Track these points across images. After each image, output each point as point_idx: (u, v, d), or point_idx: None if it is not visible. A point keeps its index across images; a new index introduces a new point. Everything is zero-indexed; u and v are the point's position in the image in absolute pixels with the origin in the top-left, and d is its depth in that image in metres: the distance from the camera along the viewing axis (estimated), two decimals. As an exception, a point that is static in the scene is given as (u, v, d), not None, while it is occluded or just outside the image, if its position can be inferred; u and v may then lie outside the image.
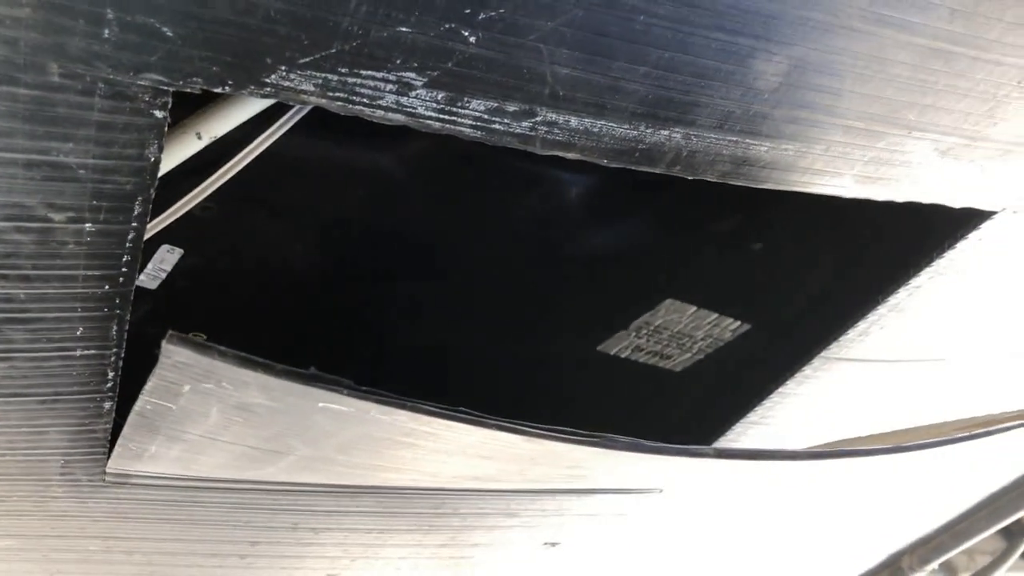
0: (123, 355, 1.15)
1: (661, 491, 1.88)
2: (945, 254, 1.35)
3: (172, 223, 1.26)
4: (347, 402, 0.90)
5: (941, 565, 3.00)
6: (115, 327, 1.10)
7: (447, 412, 0.92)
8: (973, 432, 1.28)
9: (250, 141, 1.24)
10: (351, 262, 1.70)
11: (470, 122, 0.92)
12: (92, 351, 1.13)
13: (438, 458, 1.13)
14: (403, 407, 0.90)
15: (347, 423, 0.98)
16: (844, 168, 1.11)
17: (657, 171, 1.04)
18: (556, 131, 0.95)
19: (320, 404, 0.92)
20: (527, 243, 1.79)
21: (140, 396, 1.03)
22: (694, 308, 1.86)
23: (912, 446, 1.31)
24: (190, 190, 1.26)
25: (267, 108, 1.15)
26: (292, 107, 1.19)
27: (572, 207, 1.79)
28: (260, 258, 1.65)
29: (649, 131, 0.98)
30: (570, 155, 0.98)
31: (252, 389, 0.91)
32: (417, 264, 1.73)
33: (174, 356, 0.88)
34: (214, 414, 1.00)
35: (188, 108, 1.11)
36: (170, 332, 0.87)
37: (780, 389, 1.63)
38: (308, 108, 1.17)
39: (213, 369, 0.89)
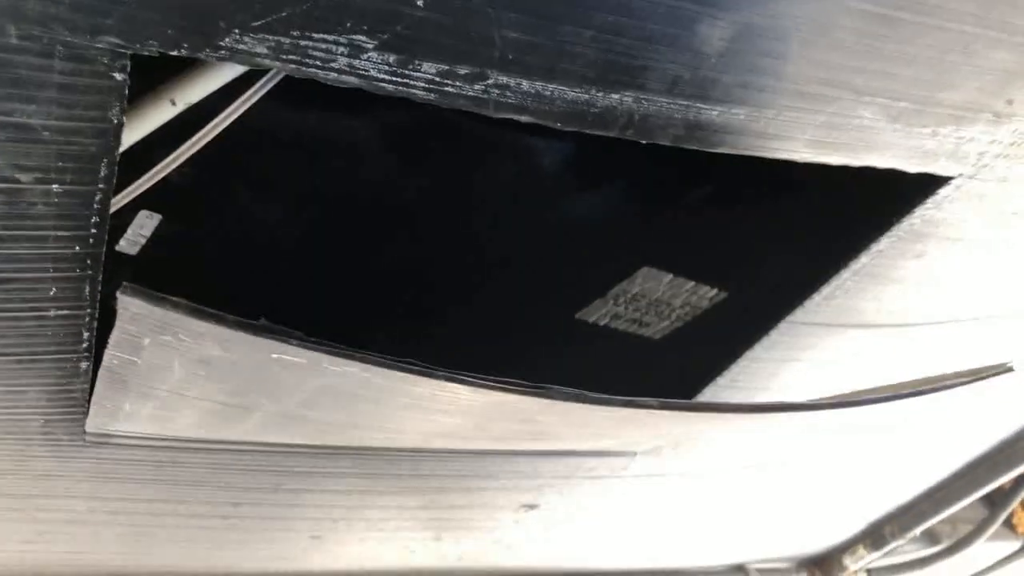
0: (98, 316, 1.18)
1: (635, 455, 1.92)
2: (904, 219, 1.37)
3: (151, 189, 1.29)
4: (299, 353, 0.94)
5: (923, 533, 3.03)
6: (88, 288, 1.13)
7: (395, 363, 0.96)
8: (919, 388, 1.31)
9: (225, 107, 1.26)
10: (329, 228, 1.73)
11: (423, 85, 0.94)
12: (66, 311, 1.17)
13: (399, 413, 1.17)
14: (352, 358, 0.94)
15: (303, 375, 1.01)
16: (796, 132, 1.13)
17: (611, 135, 1.07)
18: (508, 94, 0.97)
19: (273, 355, 0.95)
20: (503, 211, 1.81)
21: (106, 351, 1.06)
22: (670, 276, 1.88)
23: (860, 400, 1.34)
24: (167, 157, 1.29)
25: (242, 74, 1.18)
26: (265, 73, 1.22)
27: (549, 175, 1.81)
28: (240, 224, 1.67)
29: (600, 95, 1.00)
30: (523, 118, 1.01)
31: (208, 341, 0.95)
32: (393, 232, 1.76)
33: (130, 308, 0.92)
34: (177, 368, 1.04)
35: (163, 74, 1.14)
36: (124, 284, 0.90)
37: (748, 353, 1.66)
38: (280, 75, 1.20)
39: (168, 320, 0.92)
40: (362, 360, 0.94)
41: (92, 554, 1.93)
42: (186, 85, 1.18)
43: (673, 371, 1.93)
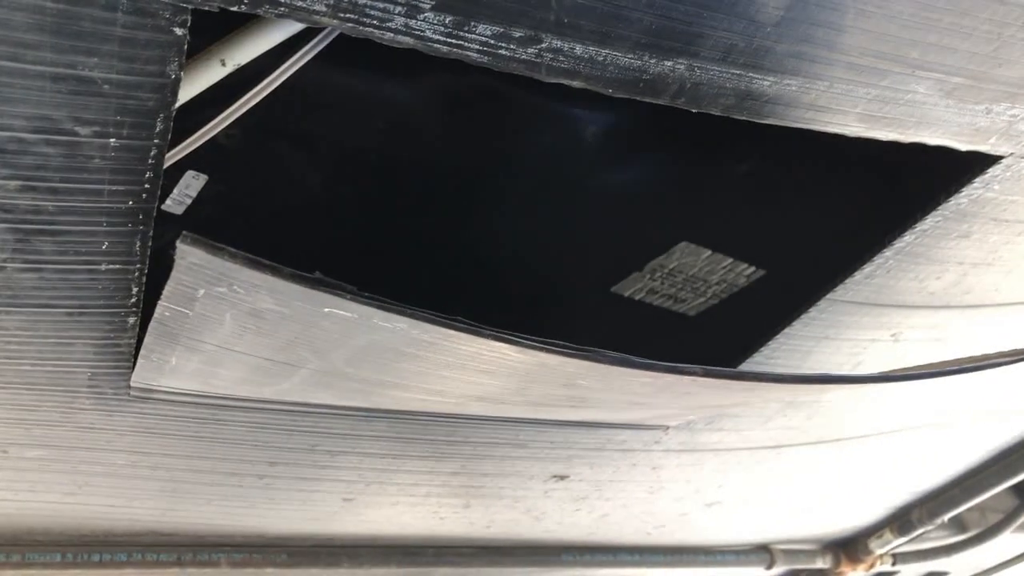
0: (147, 271, 1.21)
1: (667, 429, 1.93)
2: (951, 199, 1.36)
3: (197, 150, 1.31)
4: (350, 307, 0.95)
5: (951, 520, 3.01)
6: (139, 243, 1.15)
7: (445, 320, 0.97)
8: (960, 366, 1.31)
9: (273, 70, 1.27)
10: (370, 192, 1.74)
11: (477, 47, 0.95)
12: (117, 265, 1.19)
13: (441, 373, 1.18)
14: (403, 314, 0.95)
15: (352, 330, 1.02)
16: (847, 106, 1.12)
17: (662, 102, 1.07)
18: (561, 58, 0.98)
19: (325, 309, 0.97)
20: (542, 180, 1.81)
21: (159, 302, 1.08)
22: (709, 252, 1.88)
23: (902, 376, 1.34)
24: (215, 118, 1.30)
25: (290, 38, 1.19)
26: (314, 37, 1.23)
27: (589, 146, 1.81)
28: (283, 186, 1.69)
29: (653, 61, 1.00)
30: (575, 83, 1.01)
31: (262, 293, 0.96)
32: (432, 199, 1.77)
33: (188, 257, 0.93)
34: (228, 321, 1.05)
35: (214, 35, 1.15)
36: (184, 232, 0.91)
37: (786, 330, 1.66)
38: (330, 38, 1.21)
39: (225, 271, 0.94)
40: (412, 316, 0.95)
41: (130, 508, 1.97)
42: (237, 46, 1.19)
43: (708, 348, 1.92)
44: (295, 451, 1.78)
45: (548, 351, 1.02)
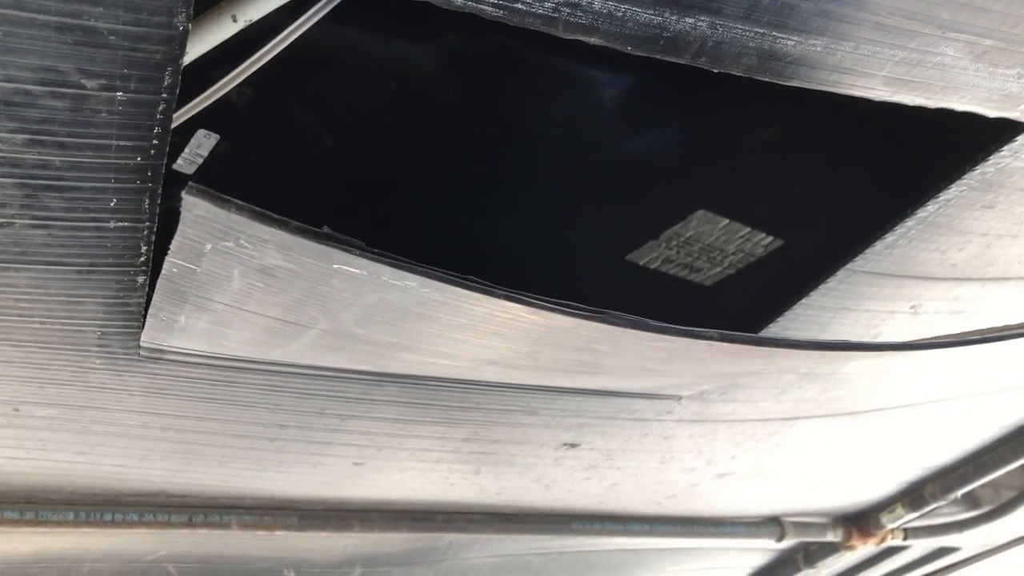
0: (156, 230, 1.19)
1: (680, 398, 1.91)
2: (977, 167, 1.33)
3: (209, 109, 1.29)
4: (360, 264, 0.93)
5: (964, 496, 2.99)
6: (147, 200, 1.14)
7: (456, 278, 0.95)
8: (984, 336, 1.28)
9: (285, 27, 1.25)
10: (382, 154, 1.72)
11: (493, 0, 0.92)
12: (125, 223, 1.17)
13: (452, 335, 1.16)
14: (413, 271, 0.93)
15: (362, 288, 1.01)
16: (874, 68, 1.09)
17: (682, 61, 1.04)
18: (579, 14, 0.95)
19: (335, 265, 0.95)
20: (557, 145, 1.78)
21: (166, 258, 1.07)
22: (726, 221, 1.85)
23: (925, 344, 1.31)
24: (226, 76, 1.28)
25: (305, -7, 1.16)
26: (328, -7, 1.20)
27: (606, 110, 1.78)
28: (294, 146, 1.67)
29: (674, 18, 0.97)
30: (593, 40, 0.98)
31: (270, 248, 0.94)
32: (446, 163, 1.74)
33: (195, 209, 0.92)
34: (236, 277, 1.04)
35: (225, -10, 1.13)
36: (190, 184, 0.90)
37: (804, 300, 1.64)
38: (342, -8, 1.18)
39: (232, 224, 0.92)
40: (423, 274, 0.94)
41: (141, 468, 1.97)
42: (248, 1, 1.16)
43: (724, 318, 1.90)
44: (306, 414, 1.78)
45: (562, 312, 1.00)
